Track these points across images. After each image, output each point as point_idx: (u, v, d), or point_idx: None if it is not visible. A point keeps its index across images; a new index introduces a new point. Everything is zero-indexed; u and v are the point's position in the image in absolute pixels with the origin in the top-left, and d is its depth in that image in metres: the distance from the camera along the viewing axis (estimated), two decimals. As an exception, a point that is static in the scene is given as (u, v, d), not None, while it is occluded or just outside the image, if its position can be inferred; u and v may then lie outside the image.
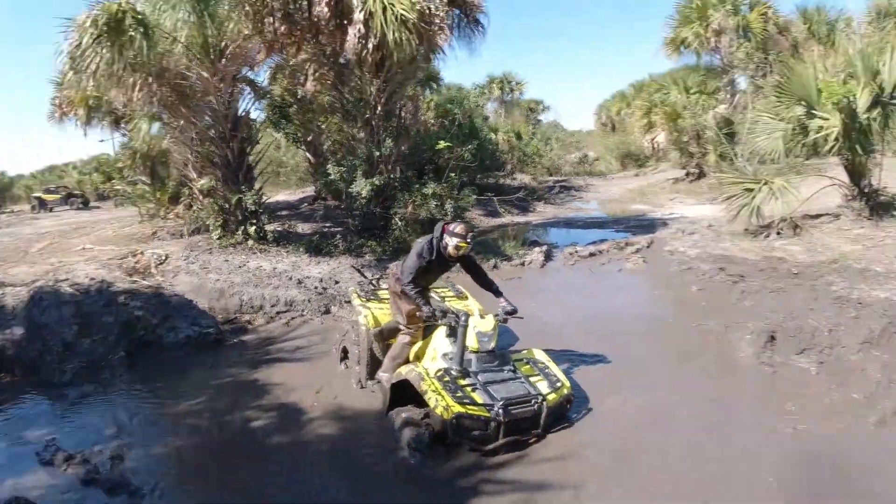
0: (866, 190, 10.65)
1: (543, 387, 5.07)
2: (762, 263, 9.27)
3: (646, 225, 14.29)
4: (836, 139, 9.85)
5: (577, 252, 11.43)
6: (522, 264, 10.92)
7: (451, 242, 5.28)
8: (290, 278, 9.14)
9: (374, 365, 5.83)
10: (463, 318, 5.01)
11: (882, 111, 9.83)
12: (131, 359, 6.95)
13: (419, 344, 5.63)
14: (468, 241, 5.32)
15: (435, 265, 5.44)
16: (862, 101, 9.67)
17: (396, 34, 9.80)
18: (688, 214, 14.91)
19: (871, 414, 5.28)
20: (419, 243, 5.45)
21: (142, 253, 10.11)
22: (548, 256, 11.37)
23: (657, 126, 21.88)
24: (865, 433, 5.05)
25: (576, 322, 7.85)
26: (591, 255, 11.40)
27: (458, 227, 5.35)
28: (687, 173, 21.47)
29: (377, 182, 10.76)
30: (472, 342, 5.07)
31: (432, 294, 6.19)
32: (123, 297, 7.81)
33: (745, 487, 4.36)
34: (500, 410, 4.66)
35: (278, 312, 8.31)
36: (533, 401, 4.86)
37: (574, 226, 15.13)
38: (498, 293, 5.64)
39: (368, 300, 6.48)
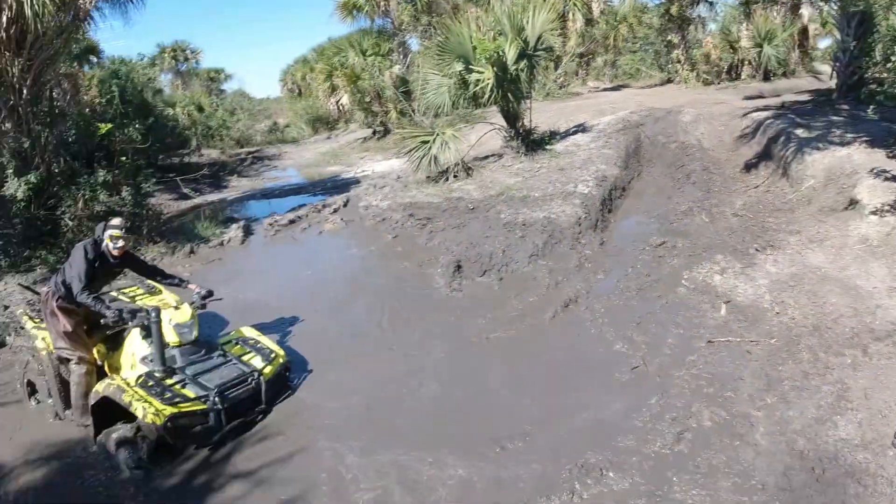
0: (521, 131, 12.42)
1: (258, 362, 5.07)
2: (444, 205, 10.32)
3: (340, 185, 14.75)
4: (492, 90, 11.24)
5: (276, 222, 11.38)
6: (222, 244, 10.47)
7: (106, 235, 4.98)
8: (-61, 317, 7.53)
9: (66, 391, 5.17)
10: (154, 314, 4.70)
11: (528, 62, 11.52)
12: None
13: (116, 355, 5.15)
14: (123, 231, 5.04)
15: (100, 272, 5.01)
16: (510, 54, 11.15)
17: (35, 5, 8.54)
18: (378, 170, 15.70)
19: (546, 311, 6.32)
20: (79, 247, 4.97)
21: None
22: (247, 231, 11.11)
23: (340, 88, 22.33)
24: (543, 326, 6.04)
25: (284, 292, 7.93)
26: (291, 222, 11.46)
27: (114, 220, 5.14)
28: (374, 132, 22.40)
29: (34, 179, 9.28)
30: (171, 336, 4.84)
31: (119, 296, 5.65)
32: None
33: (444, 400, 4.97)
34: (217, 398, 4.55)
35: (-66, 358, 6.83)
36: (249, 378, 4.85)
37: (272, 196, 15.00)
38: (182, 282, 5.46)
39: (44, 321, 5.68)
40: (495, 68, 11.05)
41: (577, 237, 8.29)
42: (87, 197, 9.79)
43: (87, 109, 13.60)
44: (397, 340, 6.17)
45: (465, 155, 11.96)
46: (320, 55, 27.09)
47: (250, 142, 25.81)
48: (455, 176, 11.76)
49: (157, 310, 4.77)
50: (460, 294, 7.16)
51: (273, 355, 5.19)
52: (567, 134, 13.64)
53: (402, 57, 23.22)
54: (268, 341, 5.41)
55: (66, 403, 5.19)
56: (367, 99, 21.54)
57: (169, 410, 4.35)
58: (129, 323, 4.87)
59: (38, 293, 6.45)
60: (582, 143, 12.63)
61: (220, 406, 4.56)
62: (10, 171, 9.32)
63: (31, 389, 5.70)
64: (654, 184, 11.12)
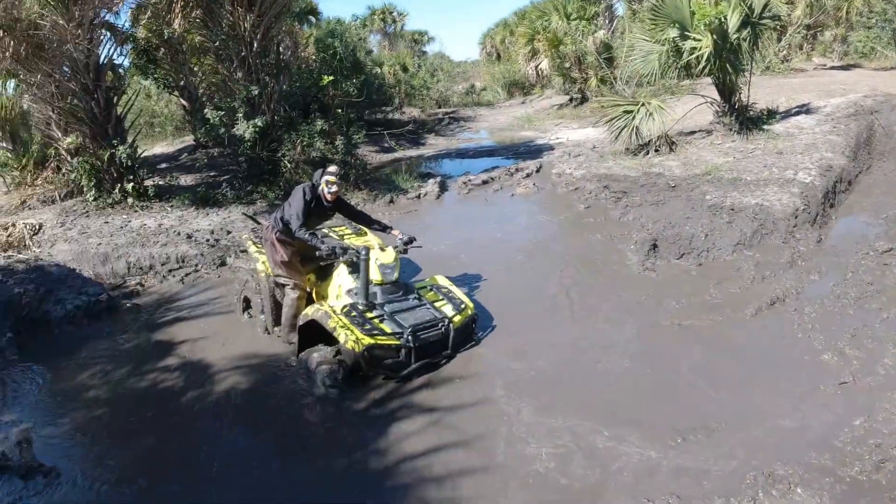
0: (736, 106, 11.39)
1: (448, 310, 5.27)
2: (642, 179, 9.86)
3: (534, 150, 14.62)
4: (708, 59, 10.41)
5: (470, 181, 11.64)
6: (418, 197, 11.01)
7: (323, 180, 5.39)
8: (179, 233, 8.76)
9: (277, 311, 5.78)
10: (363, 253, 5.05)
11: (751, 31, 10.50)
12: (20, 339, 6.42)
13: (323, 285, 5.64)
14: (338, 178, 5.45)
15: (314, 211, 5.45)
16: (732, 21, 10.24)
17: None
18: (573, 138, 15.35)
19: (747, 306, 5.85)
20: (298, 189, 5.45)
21: (13, 225, 9.31)
22: (442, 187, 11.51)
23: (540, 53, 22.03)
24: (743, 323, 5.61)
25: (474, 248, 8.09)
26: (484, 182, 11.66)
27: (331, 167, 5.54)
28: (570, 99, 21.91)
29: (260, 123, 10.32)
30: (375, 275, 5.16)
31: (330, 233, 6.17)
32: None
33: (632, 382, 4.81)
34: (410, 337, 4.83)
35: (171, 270, 7.97)
36: (440, 324, 5.07)
37: (466, 156, 15.25)
38: (387, 228, 5.76)
39: (264, 249, 6.36)
40: (714, 36, 10.23)
41: (792, 230, 7.52)
42: (304, 143, 10.72)
43: (303, 65, 14.74)
44: (584, 311, 6.07)
45: (669, 129, 11.31)
46: (521, 18, 26.88)
47: (447, 103, 26.50)
48: (657, 150, 11.20)
49: (367, 249, 5.14)
50: (654, 274, 6.85)
51: (463, 306, 5.38)
52: (788, 114, 12.38)
53: (607, 22, 22.38)
54: (459, 292, 5.60)
55: (276, 321, 5.82)
56: (567, 64, 21.05)
57: (367, 340, 4.70)
58: (340, 258, 5.31)
59: (258, 222, 7.24)
60: (805, 125, 11.40)
61: (412, 344, 4.85)
62: (241, 114, 10.43)
63: (246, 305, 6.45)
64: (886, 181, 9.78)
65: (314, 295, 5.80)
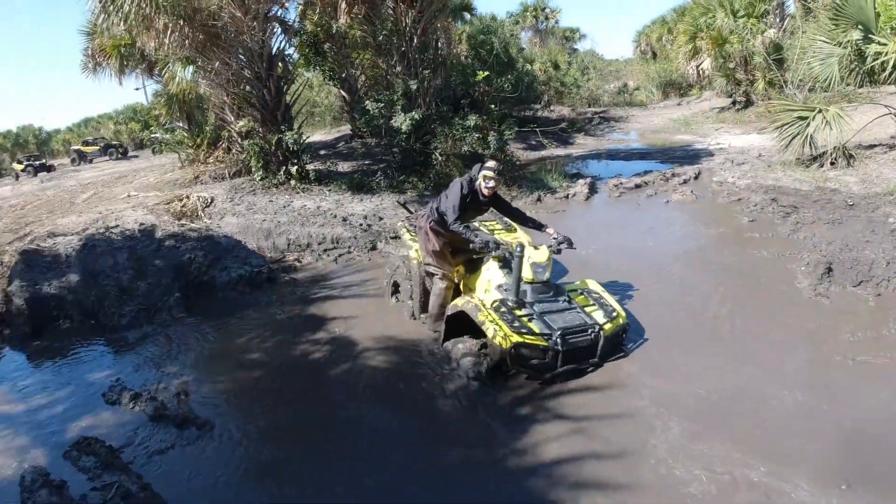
0: (924, 120, 10.14)
1: (599, 316, 5.02)
2: (815, 194, 9.01)
3: (691, 155, 13.86)
4: (895, 66, 9.32)
5: (622, 184, 11.19)
6: (566, 197, 10.75)
7: (481, 175, 5.32)
8: (335, 216, 9.16)
9: (425, 298, 5.83)
10: (518, 249, 4.93)
11: None
12: (187, 300, 7.07)
13: (472, 277, 5.60)
14: (497, 173, 5.36)
15: (470, 205, 5.42)
16: (924, 26, 9.12)
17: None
18: (736, 144, 14.40)
19: None
20: (456, 181, 5.44)
21: (188, 197, 10.19)
22: (592, 189, 11.16)
23: (702, 52, 20.88)
24: None
25: (625, 254, 7.70)
26: (637, 186, 11.16)
27: (490, 162, 5.43)
28: (733, 102, 20.64)
29: (417, 116, 10.56)
30: (527, 273, 5.02)
31: (480, 227, 6.11)
32: (174, 241, 7.92)
33: (800, 417, 4.29)
34: (559, 339, 4.65)
35: (325, 250, 8.35)
36: (590, 330, 4.84)
37: (616, 157, 14.74)
38: (541, 226, 5.61)
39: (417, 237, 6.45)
40: None
41: None
42: (456, 137, 10.82)
43: (456, 61, 14.91)
44: (745, 334, 5.53)
45: (847, 140, 10.28)
46: (682, 15, 25.70)
47: (598, 102, 25.92)
48: (832, 163, 10.21)
49: (522, 246, 5.01)
50: (826, 301, 6.14)
51: (614, 314, 5.10)
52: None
53: (777, 20, 20.78)
54: (611, 298, 5.34)
55: (424, 308, 5.87)
56: (732, 65, 19.83)
57: (515, 338, 4.56)
58: (493, 252, 5.23)
59: (410, 211, 7.37)
60: None
61: (559, 347, 4.66)
62: (399, 107, 10.71)
63: (395, 289, 6.57)
64: None
65: (462, 286, 5.77)
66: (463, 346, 5.02)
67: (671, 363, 5.02)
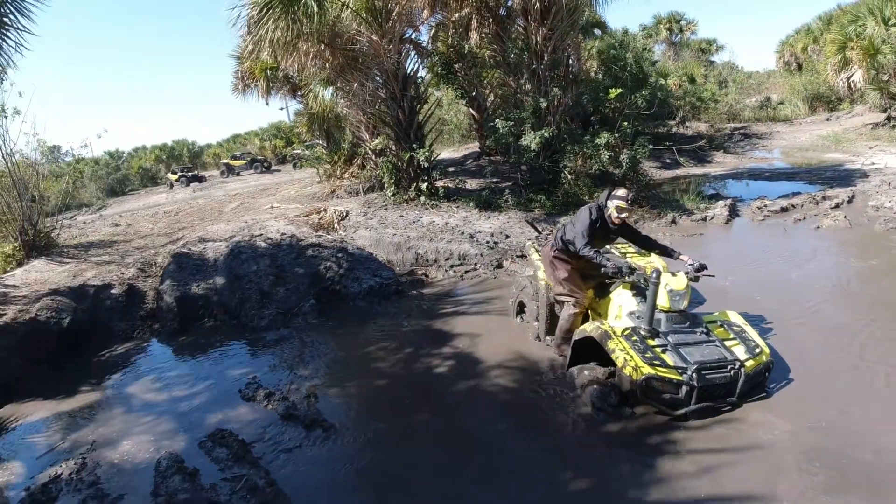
0: None
1: (740, 352, 4.66)
2: None
3: (843, 176, 12.75)
4: None
5: (765, 206, 10.44)
6: (704, 220, 10.15)
7: (612, 205, 5.13)
8: (462, 233, 9.29)
9: (552, 320, 5.72)
10: (654, 276, 4.67)
11: None
12: (320, 306, 7.46)
13: (602, 302, 5.44)
14: (629, 203, 5.15)
15: (598, 232, 5.21)
16: None
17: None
18: (892, 165, 13.12)
19: None
20: (584, 209, 5.28)
21: (325, 210, 10.74)
22: (733, 211, 10.48)
23: (853, 63, 19.14)
24: None
25: (768, 286, 7.11)
26: (783, 209, 10.34)
27: (620, 191, 5.21)
28: (888, 117, 18.82)
29: (546, 134, 10.51)
30: (663, 301, 4.78)
31: (612, 250, 5.93)
32: (311, 251, 8.36)
33: None
34: (694, 374, 4.38)
35: (452, 266, 8.49)
36: (729, 366, 4.51)
37: (759, 177, 13.80)
38: (675, 252, 5.30)
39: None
40: None
41: None
42: (587, 155, 10.64)
43: (585, 78, 14.68)
44: None
45: None
46: (828, 24, 23.81)
47: (738, 117, 24.53)
48: None
49: (659, 272, 4.76)
50: None
51: (758, 350, 4.71)
52: None
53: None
54: (754, 333, 4.94)
55: (550, 330, 5.75)
56: (885, 77, 18.10)
57: (647, 370, 4.33)
58: (627, 278, 4.99)
59: (538, 230, 7.32)
60: None
61: (695, 383, 4.35)
62: (528, 125, 10.70)
63: (520, 309, 6.50)
64: None
65: (590, 311, 5.61)
66: (589, 373, 4.89)
67: (813, 409, 4.56)
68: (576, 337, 5.05)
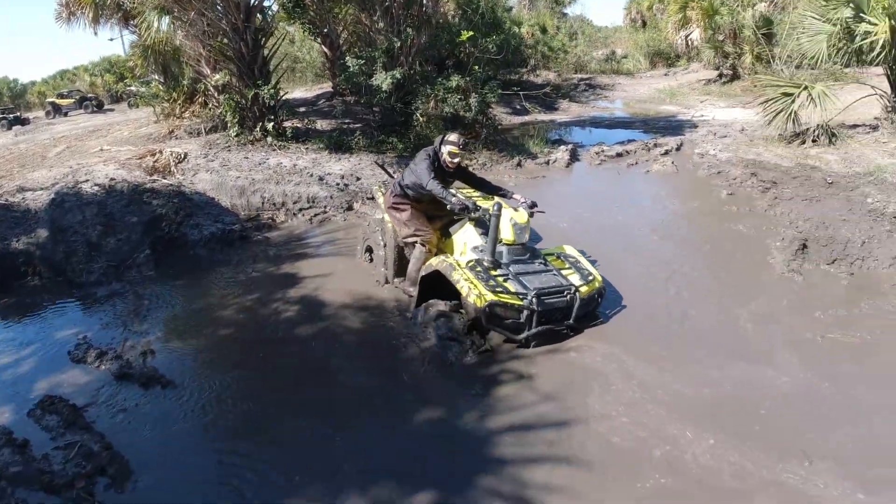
0: (910, 103, 10.10)
1: (575, 279, 4.97)
2: (795, 171, 9.03)
3: (675, 127, 13.76)
4: (883, 47, 9.32)
5: (603, 152, 11.11)
6: (547, 163, 10.64)
7: (444, 150, 5.18)
8: (311, 175, 8.96)
9: (401, 263, 5.71)
10: (496, 209, 4.81)
11: None
12: (157, 257, 6.93)
13: (447, 242, 5.49)
14: (461, 147, 5.22)
15: (437, 175, 5.20)
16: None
17: None
18: (720, 117, 14.32)
19: None
20: (421, 154, 5.30)
21: (160, 152, 9.90)
22: (573, 156, 11.06)
23: (692, 23, 20.56)
24: (893, 344, 4.88)
25: (602, 224, 7.65)
26: (618, 155, 11.09)
27: (452, 136, 5.27)
28: (720, 74, 20.46)
29: (398, 75, 10.29)
30: (507, 234, 4.95)
31: (458, 193, 5.95)
32: (145, 196, 7.72)
33: (764, 388, 4.29)
34: (534, 299, 4.59)
35: (301, 209, 8.20)
36: (566, 292, 4.78)
37: (600, 125, 14.62)
38: (508, 193, 5.46)
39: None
40: (892, 21, 9.05)
41: None
42: (438, 98, 10.58)
43: (442, 20, 14.53)
44: (719, 309, 5.56)
45: (830, 119, 10.24)
46: (674, -16, 25.24)
47: (585, 68, 25.58)
48: (814, 140, 10.16)
49: (500, 206, 4.89)
50: (798, 278, 6.15)
51: (591, 277, 5.05)
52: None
53: (769, -7, 20.57)
54: (587, 263, 5.28)
55: (398, 272, 5.75)
56: (721, 37, 19.59)
57: (490, 296, 4.50)
58: (473, 214, 5.10)
59: (389, 173, 7.19)
60: None
61: (535, 307, 4.59)
62: (380, 65, 10.42)
63: (369, 252, 6.38)
64: None
65: (438, 254, 5.66)
66: (436, 308, 4.94)
67: (646, 334, 4.98)
68: (422, 273, 5.11)
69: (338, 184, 8.81)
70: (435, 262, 5.01)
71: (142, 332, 5.31)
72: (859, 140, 10.12)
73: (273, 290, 6.03)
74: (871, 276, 6.13)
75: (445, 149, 5.18)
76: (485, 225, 5.06)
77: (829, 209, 7.32)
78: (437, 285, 4.97)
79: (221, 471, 3.58)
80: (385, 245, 5.90)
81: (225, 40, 10.77)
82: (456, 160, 5.21)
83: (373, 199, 7.26)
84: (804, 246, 6.57)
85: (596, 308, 5.13)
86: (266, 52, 11.26)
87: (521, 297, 4.63)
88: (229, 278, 6.41)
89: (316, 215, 8.09)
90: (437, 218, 5.51)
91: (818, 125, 10.14)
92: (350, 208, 8.33)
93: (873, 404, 4.07)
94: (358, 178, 9.13)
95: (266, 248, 7.18)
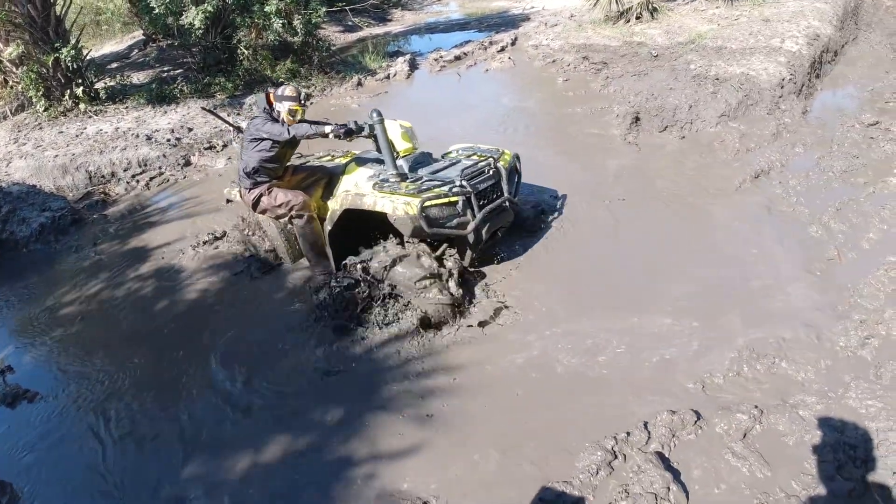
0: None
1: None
2: (623, 49, 9.52)
3: (508, 22, 13.82)
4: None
5: (441, 57, 11.08)
6: (388, 77, 10.44)
7: (283, 108, 4.46)
8: (137, 136, 8.26)
9: (290, 244, 5.03)
10: (376, 115, 4.31)
11: None
12: (-16, 264, 6.24)
13: (334, 198, 4.71)
14: (302, 102, 4.52)
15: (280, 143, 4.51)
16: None
17: None
18: (549, 7, 14.51)
19: (732, 178, 5.74)
20: (253, 123, 4.52)
21: (-39, 145, 8.79)
22: (412, 65, 10.92)
23: None
24: (728, 193, 5.47)
25: (450, 129, 7.70)
26: (457, 58, 11.11)
27: (286, 90, 4.49)
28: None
29: (210, 8, 9.44)
30: (400, 141, 4.53)
31: (312, 160, 5.33)
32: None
33: (628, 252, 4.70)
34: (464, 182, 4.23)
35: (134, 176, 7.61)
36: (487, 168, 4.53)
37: (436, 30, 14.38)
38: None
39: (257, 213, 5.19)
40: None
41: (778, 101, 7.15)
42: (260, 26, 9.95)
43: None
44: (565, 181, 5.91)
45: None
46: None
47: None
48: (638, 17, 10.65)
49: (378, 112, 4.34)
50: (636, 147, 6.63)
51: (499, 151, 4.82)
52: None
53: None
54: (484, 146, 5.04)
55: (297, 255, 5.10)
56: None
57: (419, 198, 4.04)
58: (358, 134, 4.36)
59: (222, 118, 6.71)
60: (793, -9, 10.76)
61: (469, 189, 4.20)
62: (189, 0, 9.58)
63: (270, 256, 5.36)
64: (872, 53, 9.19)
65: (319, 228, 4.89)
66: (366, 252, 4.41)
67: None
68: (328, 228, 4.58)
69: (168, 140, 8.20)
70: (336, 205, 4.49)
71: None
72: (679, 11, 10.70)
73: (124, 269, 5.68)
74: (701, 136, 6.77)
75: (285, 107, 4.45)
76: (364, 161, 4.68)
77: (656, 81, 7.81)
78: (352, 239, 4.49)
79: (116, 472, 3.50)
80: (268, 236, 5.16)
81: (11, 6, 9.49)
82: (298, 117, 4.51)
83: (211, 147, 6.78)
84: (637, 119, 7.03)
85: (520, 180, 4.99)
86: (59, 9, 10.06)
87: (448, 186, 4.23)
88: (74, 268, 5.92)
89: (152, 179, 7.54)
90: (308, 187, 4.84)
91: (639, 2, 10.57)
92: (188, 163, 7.83)
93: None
94: (190, 129, 8.55)
95: (105, 227, 6.66)
